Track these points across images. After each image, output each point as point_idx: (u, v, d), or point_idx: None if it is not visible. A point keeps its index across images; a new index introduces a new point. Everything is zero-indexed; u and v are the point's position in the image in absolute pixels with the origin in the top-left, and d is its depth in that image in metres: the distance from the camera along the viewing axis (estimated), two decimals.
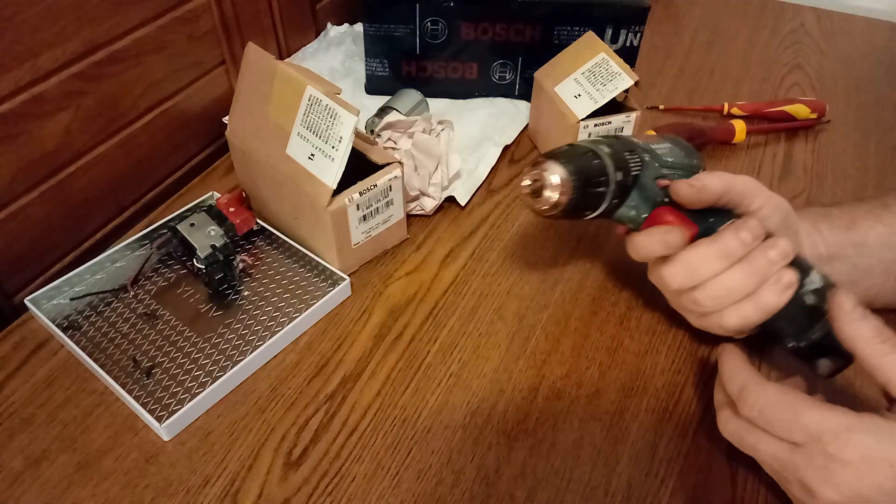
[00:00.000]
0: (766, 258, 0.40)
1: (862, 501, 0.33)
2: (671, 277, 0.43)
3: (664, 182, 0.44)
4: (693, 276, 0.42)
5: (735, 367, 0.39)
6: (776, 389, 0.37)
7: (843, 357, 0.40)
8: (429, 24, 0.70)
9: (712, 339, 0.50)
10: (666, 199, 0.44)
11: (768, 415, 0.36)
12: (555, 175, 0.41)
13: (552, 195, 0.41)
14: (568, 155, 0.42)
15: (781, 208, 0.44)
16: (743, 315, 0.41)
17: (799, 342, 0.41)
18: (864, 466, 0.33)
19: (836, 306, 0.37)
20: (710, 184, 0.42)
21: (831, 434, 0.34)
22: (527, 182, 0.42)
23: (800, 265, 0.41)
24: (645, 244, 0.44)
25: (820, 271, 0.42)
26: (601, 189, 0.42)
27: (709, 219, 0.43)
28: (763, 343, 0.48)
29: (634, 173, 0.44)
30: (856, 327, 0.36)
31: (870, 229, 0.47)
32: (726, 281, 0.41)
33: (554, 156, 0.42)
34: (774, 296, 0.40)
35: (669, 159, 0.46)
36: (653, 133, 0.50)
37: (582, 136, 0.61)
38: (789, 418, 0.35)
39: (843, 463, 0.33)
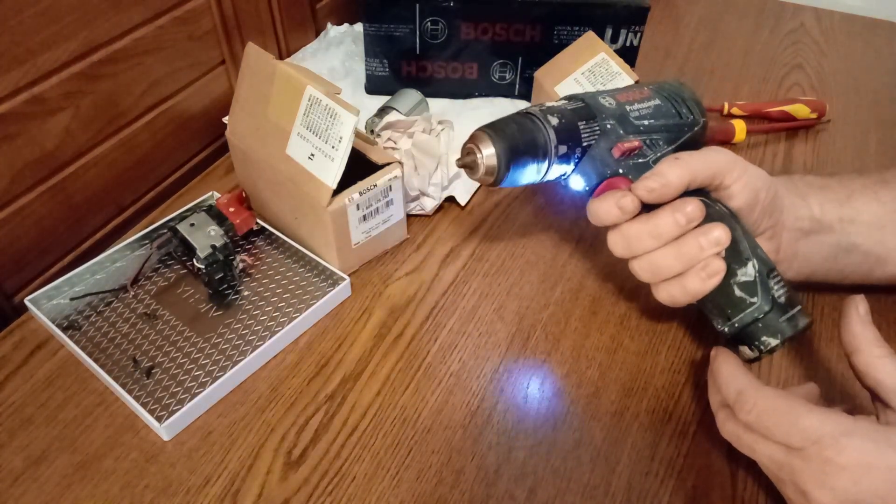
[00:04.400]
0: (696, 244, 0.40)
1: None
2: (613, 245, 0.44)
3: (623, 147, 0.44)
4: (629, 248, 0.43)
5: (731, 372, 0.39)
6: (773, 394, 0.37)
7: (760, 349, 0.40)
8: (429, 23, 0.70)
9: (712, 339, 0.50)
10: (620, 170, 0.44)
11: (766, 419, 0.36)
12: (485, 151, 0.42)
13: (481, 170, 0.42)
14: (504, 130, 0.42)
15: (755, 185, 0.43)
16: (670, 293, 0.42)
17: (723, 327, 0.42)
18: (860, 471, 0.33)
19: (852, 304, 0.38)
20: (671, 179, 0.41)
21: (829, 438, 0.34)
22: (459, 156, 0.44)
23: (738, 254, 0.41)
24: (598, 209, 0.43)
25: (760, 262, 0.41)
26: (537, 163, 0.43)
27: None
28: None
29: (586, 144, 0.44)
30: (863, 328, 0.37)
31: (864, 206, 0.47)
32: (656, 259, 0.41)
33: (490, 129, 0.42)
34: (699, 282, 0.40)
35: (645, 122, 0.46)
36: (651, 85, 0.49)
37: None
38: (787, 422, 0.35)
39: (839, 467, 0.33)
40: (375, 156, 0.54)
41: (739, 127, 0.69)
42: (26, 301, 0.51)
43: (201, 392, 0.45)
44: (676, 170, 0.41)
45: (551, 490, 0.42)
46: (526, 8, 0.68)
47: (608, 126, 0.45)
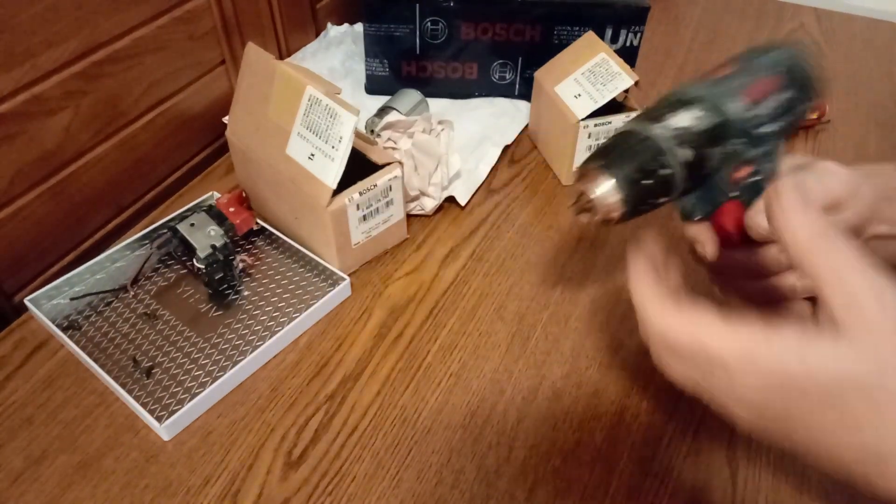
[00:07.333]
0: None
1: (775, 419, 0.31)
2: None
3: (740, 174, 0.38)
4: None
5: (638, 276, 0.33)
6: (676, 313, 0.32)
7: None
8: (429, 24, 0.70)
9: None
10: (731, 195, 0.39)
11: (671, 341, 0.32)
12: (609, 198, 0.35)
13: (603, 214, 0.36)
14: (626, 170, 0.36)
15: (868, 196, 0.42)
16: None
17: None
18: (773, 384, 0.30)
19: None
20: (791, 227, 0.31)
21: (734, 359, 0.30)
22: (575, 199, 0.38)
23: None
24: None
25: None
26: (661, 201, 0.37)
27: None
28: None
29: (708, 173, 0.38)
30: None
31: None
32: None
33: (608, 167, 0.36)
34: None
35: (769, 128, 0.39)
36: (780, 65, 0.39)
37: (582, 137, 0.61)
38: (691, 343, 0.31)
39: (745, 387, 0.31)
40: (375, 156, 0.54)
41: None
42: (26, 301, 0.51)
43: (201, 392, 0.45)
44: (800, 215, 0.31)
45: (551, 490, 0.41)
46: (526, 8, 0.68)
47: (736, 149, 0.38)
